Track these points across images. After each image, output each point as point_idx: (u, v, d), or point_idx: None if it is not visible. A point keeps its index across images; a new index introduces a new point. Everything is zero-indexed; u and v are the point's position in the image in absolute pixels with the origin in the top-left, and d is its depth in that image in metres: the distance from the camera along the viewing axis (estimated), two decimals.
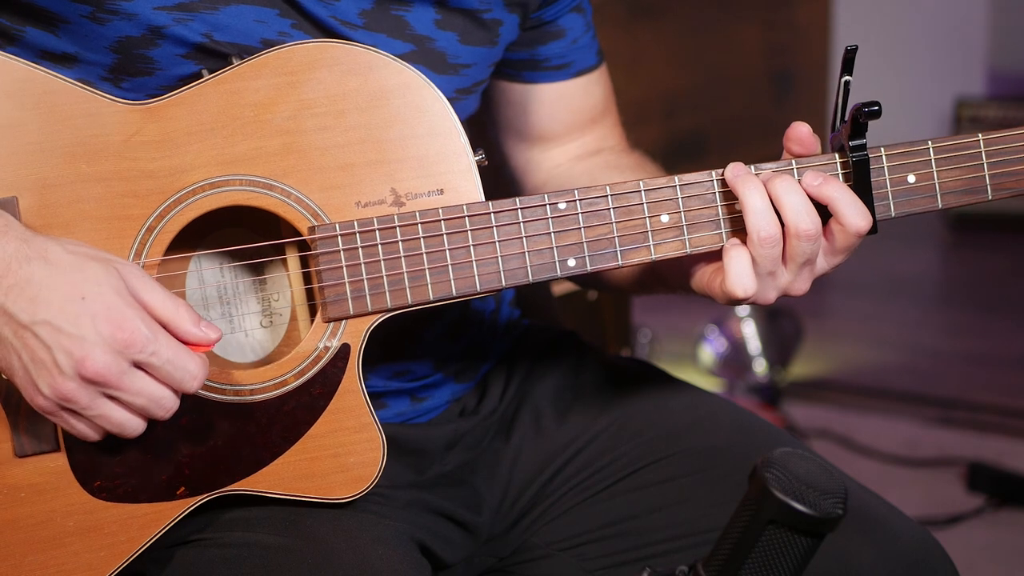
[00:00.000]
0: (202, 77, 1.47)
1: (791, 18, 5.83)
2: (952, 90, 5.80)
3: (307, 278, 1.52)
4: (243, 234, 1.53)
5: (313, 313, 1.51)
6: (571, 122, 1.79)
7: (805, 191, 1.49)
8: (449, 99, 1.51)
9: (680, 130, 5.34)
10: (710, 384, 3.89)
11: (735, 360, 3.96)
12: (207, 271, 1.54)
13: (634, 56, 5.16)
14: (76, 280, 1.35)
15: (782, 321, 4.01)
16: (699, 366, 4.01)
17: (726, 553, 1.24)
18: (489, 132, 1.82)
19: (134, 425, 1.39)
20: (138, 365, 1.36)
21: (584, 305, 2.81)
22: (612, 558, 1.65)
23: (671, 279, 1.61)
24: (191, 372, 1.37)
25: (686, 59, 5.39)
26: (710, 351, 3.99)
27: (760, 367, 3.93)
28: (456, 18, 1.61)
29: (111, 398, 1.37)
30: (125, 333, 1.34)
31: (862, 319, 4.74)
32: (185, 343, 1.38)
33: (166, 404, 1.38)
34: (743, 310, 3.98)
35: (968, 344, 4.45)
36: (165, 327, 1.38)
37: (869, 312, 4.79)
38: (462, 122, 1.63)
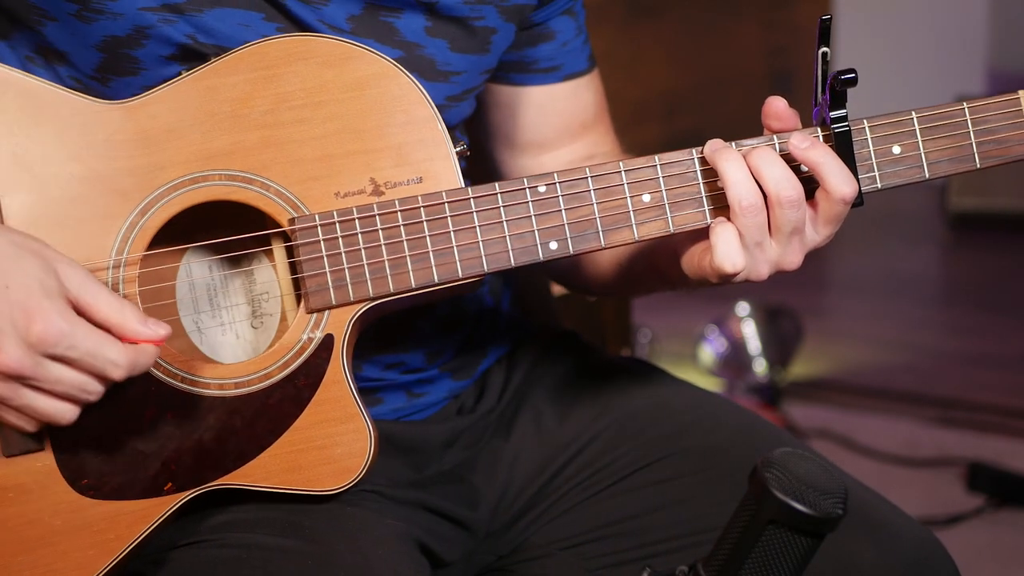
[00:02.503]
0: (180, 75, 1.48)
1: (791, 18, 5.83)
2: (952, 90, 5.79)
3: (293, 271, 1.52)
4: (230, 233, 1.53)
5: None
6: (561, 127, 1.78)
7: (792, 154, 1.49)
8: (439, 106, 1.51)
9: (680, 130, 5.34)
10: (710, 384, 3.89)
11: (735, 360, 3.96)
12: (195, 264, 1.54)
13: (634, 56, 5.16)
14: (6, 269, 1.35)
15: (782, 321, 4.00)
16: (699, 366, 4.01)
17: (726, 553, 1.24)
18: (480, 139, 1.81)
19: (63, 411, 1.38)
20: (56, 358, 1.36)
21: (584, 305, 2.81)
22: (612, 557, 1.65)
23: (667, 269, 1.60)
24: (112, 360, 1.37)
25: (686, 59, 5.39)
26: (710, 351, 3.99)
27: (760, 367, 3.93)
28: (447, 26, 1.60)
29: (33, 387, 1.36)
30: (39, 326, 1.34)
31: (862, 319, 4.74)
32: (135, 341, 1.38)
33: (89, 388, 1.38)
34: (743, 309, 3.98)
35: (968, 344, 4.45)
36: (111, 328, 1.38)
37: (869, 312, 4.79)
38: (455, 126, 1.62)
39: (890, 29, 5.96)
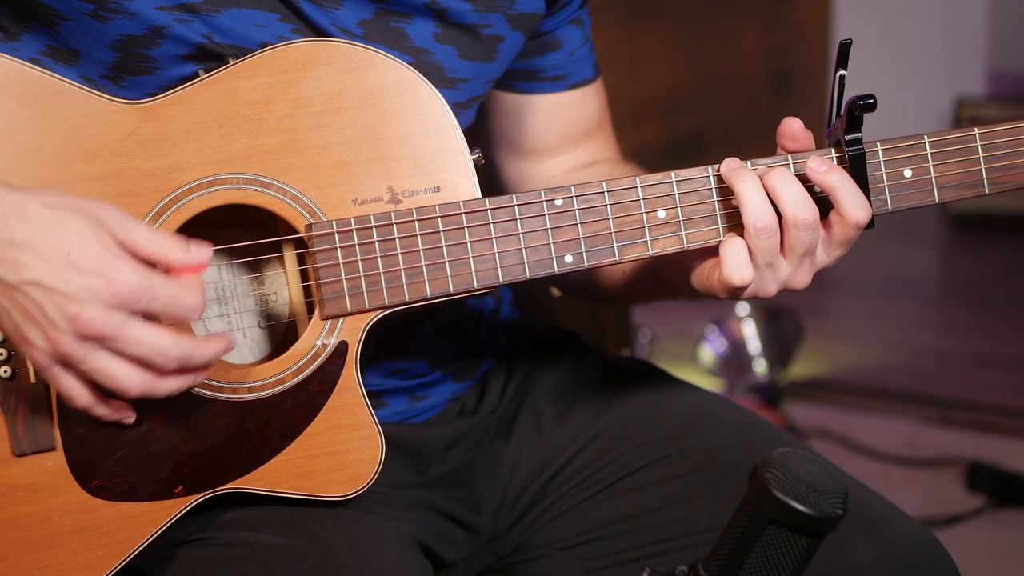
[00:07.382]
0: (199, 77, 1.48)
1: (791, 18, 5.82)
2: (952, 90, 5.80)
3: (304, 276, 1.52)
4: (241, 234, 1.53)
5: (311, 312, 1.51)
6: (565, 134, 1.79)
7: (809, 177, 1.50)
8: None
9: (680, 130, 5.34)
10: (710, 384, 3.89)
11: (735, 360, 3.96)
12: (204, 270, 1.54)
13: (633, 56, 5.16)
14: (59, 237, 1.31)
15: (782, 321, 4.00)
16: (699, 366, 4.01)
17: (726, 553, 1.24)
18: (483, 144, 1.81)
19: (133, 377, 1.34)
20: (138, 314, 1.33)
21: (584, 305, 2.81)
22: (612, 557, 1.65)
23: (673, 281, 1.61)
24: (193, 304, 1.34)
25: (686, 59, 5.39)
26: (710, 351, 3.99)
27: (760, 367, 3.93)
28: (455, 33, 1.60)
29: (110, 350, 1.33)
30: (120, 287, 1.31)
31: (862, 319, 4.74)
32: (180, 270, 1.35)
33: (168, 352, 1.33)
34: (743, 309, 3.98)
35: (968, 344, 4.45)
36: (157, 262, 1.35)
37: (869, 312, 4.79)
38: None
39: (890, 29, 5.96)
